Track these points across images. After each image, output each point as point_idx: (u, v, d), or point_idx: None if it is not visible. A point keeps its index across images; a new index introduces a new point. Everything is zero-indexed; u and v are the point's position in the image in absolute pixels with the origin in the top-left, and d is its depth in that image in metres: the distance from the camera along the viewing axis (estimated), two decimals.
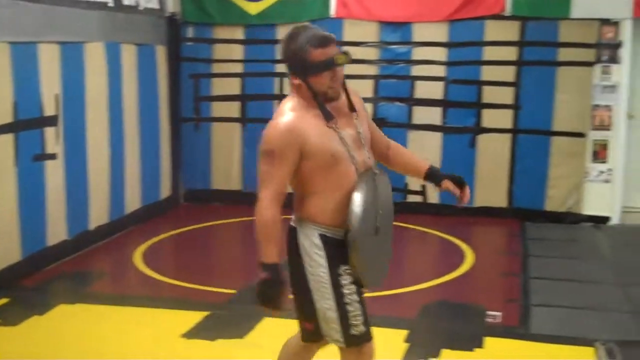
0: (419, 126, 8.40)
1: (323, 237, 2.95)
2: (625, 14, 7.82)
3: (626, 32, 7.88)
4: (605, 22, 7.90)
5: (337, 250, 2.92)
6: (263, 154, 2.93)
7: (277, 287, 2.88)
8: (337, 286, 2.90)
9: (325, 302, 2.92)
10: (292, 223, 3.09)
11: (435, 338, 4.67)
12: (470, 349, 4.49)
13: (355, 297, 2.91)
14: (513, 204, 8.20)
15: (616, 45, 7.90)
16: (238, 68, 8.82)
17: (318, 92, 2.93)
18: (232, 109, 8.87)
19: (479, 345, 4.54)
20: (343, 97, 3.03)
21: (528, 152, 8.15)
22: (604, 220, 8.04)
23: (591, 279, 6.13)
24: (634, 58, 8.00)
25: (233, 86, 8.84)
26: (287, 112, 2.94)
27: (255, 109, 8.82)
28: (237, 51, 8.81)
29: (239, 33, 8.79)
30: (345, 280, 2.91)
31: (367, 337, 2.99)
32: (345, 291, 2.90)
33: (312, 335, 3.12)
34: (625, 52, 7.91)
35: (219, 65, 8.86)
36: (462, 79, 8.26)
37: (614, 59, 7.93)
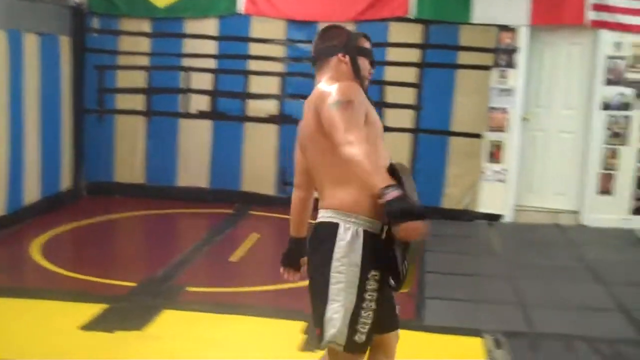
0: None
1: (365, 233, 2.81)
2: (523, 21, 8.19)
3: (523, 39, 8.25)
4: (503, 28, 8.25)
5: (373, 250, 2.80)
6: (341, 103, 2.73)
7: (409, 198, 2.64)
8: (362, 289, 2.79)
9: (338, 303, 2.79)
10: (325, 217, 2.88)
11: None
12: None
13: (373, 305, 2.80)
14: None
15: (513, 51, 8.26)
16: (144, 61, 8.77)
17: (360, 73, 2.95)
18: (137, 101, 8.82)
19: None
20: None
21: (428, 151, 8.42)
22: (497, 217, 8.40)
23: (483, 273, 6.43)
24: (529, 63, 8.37)
25: (138, 79, 8.79)
26: (346, 81, 2.90)
27: (160, 102, 8.80)
28: (144, 44, 8.76)
29: (145, 26, 8.74)
30: (371, 285, 2.80)
31: (364, 348, 2.87)
32: (367, 297, 2.79)
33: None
34: (521, 58, 8.27)
35: (124, 57, 8.79)
36: None
37: (510, 64, 8.29)
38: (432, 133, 8.39)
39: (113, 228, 7.80)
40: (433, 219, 8.23)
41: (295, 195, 3.21)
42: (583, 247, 7.48)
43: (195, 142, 8.77)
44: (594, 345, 4.64)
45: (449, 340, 4.74)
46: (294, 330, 4.70)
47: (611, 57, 8.19)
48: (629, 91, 8.21)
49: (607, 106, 8.27)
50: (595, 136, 8.34)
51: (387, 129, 8.60)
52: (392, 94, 8.43)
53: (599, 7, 8.08)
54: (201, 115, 8.74)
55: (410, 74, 8.39)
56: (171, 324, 4.81)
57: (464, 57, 8.30)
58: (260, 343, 4.57)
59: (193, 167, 8.80)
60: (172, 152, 8.81)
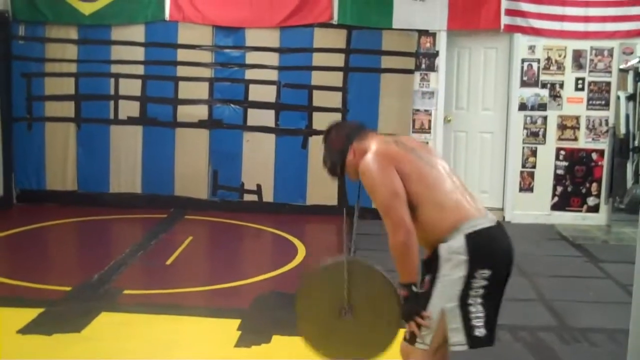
0: (253, 128, 8.72)
1: (467, 236, 3.05)
2: (441, 26, 8.53)
3: (441, 43, 8.58)
4: (423, 33, 8.56)
5: (478, 248, 3.04)
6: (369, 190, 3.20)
7: (417, 302, 3.03)
8: (468, 286, 3.02)
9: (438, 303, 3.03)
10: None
11: (267, 325, 4.94)
12: (299, 334, 4.80)
13: (479, 299, 3.03)
14: (343, 202, 8.68)
15: (433, 55, 8.58)
16: (72, 68, 8.77)
17: None
18: (66, 108, 8.80)
19: None
20: None
21: None
22: None
23: None
24: (449, 67, 8.71)
25: (67, 86, 8.78)
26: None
27: (89, 109, 8.81)
28: (71, 51, 8.76)
29: (72, 32, 8.75)
30: (477, 283, 3.02)
31: (489, 342, 3.07)
32: (473, 293, 3.01)
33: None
34: (441, 61, 8.60)
35: (52, 64, 8.78)
36: (293, 83, 8.66)
37: (431, 67, 8.61)
38: None
39: (46, 235, 7.79)
40: (365, 219, 8.55)
41: None
42: None
43: (126, 148, 8.82)
44: (517, 334, 4.91)
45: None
46: (229, 328, 4.86)
47: (526, 60, 8.60)
48: (544, 92, 8.63)
49: (524, 107, 8.67)
50: (514, 136, 8.73)
51: (315, 132, 8.90)
52: (319, 98, 8.65)
53: (513, 13, 8.49)
54: (131, 121, 8.79)
55: (336, 78, 8.62)
56: (109, 326, 4.90)
57: (387, 61, 8.58)
58: (197, 341, 4.70)
59: (125, 173, 8.84)
60: (104, 159, 8.83)
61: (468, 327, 3.01)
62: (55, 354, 4.36)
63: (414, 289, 3.02)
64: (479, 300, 3.01)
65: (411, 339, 3.09)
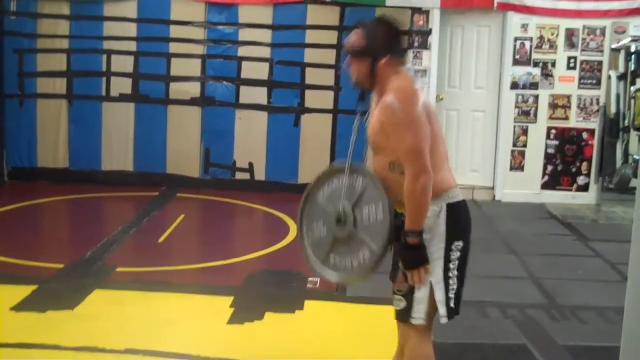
0: (246, 105, 8.71)
1: (448, 206, 3.08)
2: (434, 3, 8.52)
3: (435, 21, 8.57)
4: (416, 10, 8.55)
5: (457, 221, 3.09)
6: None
7: (425, 250, 3.00)
8: (447, 259, 3.06)
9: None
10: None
11: (260, 302, 4.98)
12: (292, 311, 4.85)
13: (456, 272, 3.08)
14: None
15: (426, 32, 8.58)
16: (64, 44, 8.72)
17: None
18: (58, 85, 8.77)
19: (300, 307, 4.91)
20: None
21: (347, 131, 8.54)
22: None
23: None
24: (441, 44, 8.70)
25: (59, 62, 8.74)
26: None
27: (81, 85, 8.78)
28: (63, 26, 8.70)
29: (64, 8, 8.70)
30: (454, 255, 3.07)
31: (456, 312, 3.12)
32: (451, 265, 3.06)
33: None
34: (433, 39, 8.59)
35: (43, 40, 8.72)
36: (286, 60, 8.64)
37: (424, 45, 8.61)
38: (351, 113, 8.58)
39: (38, 213, 7.79)
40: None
41: None
42: (497, 220, 7.86)
43: (118, 125, 8.80)
44: (506, 310, 4.97)
45: (370, 309, 4.97)
46: (222, 305, 4.89)
47: (518, 38, 8.61)
48: (536, 71, 8.65)
49: (515, 85, 8.69)
50: (506, 115, 8.76)
51: (307, 110, 8.90)
52: (312, 76, 8.64)
53: None
54: (123, 98, 8.76)
55: (328, 56, 8.61)
56: (102, 303, 4.92)
57: None
58: (190, 318, 4.72)
59: (117, 151, 8.83)
60: (95, 136, 8.81)
61: (447, 299, 3.06)
62: (49, 331, 4.38)
63: (424, 236, 2.98)
64: (455, 272, 3.07)
65: (404, 315, 3.11)
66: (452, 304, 3.08)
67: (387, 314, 4.83)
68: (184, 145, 8.79)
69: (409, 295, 3.08)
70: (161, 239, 6.64)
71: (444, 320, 3.08)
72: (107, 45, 8.71)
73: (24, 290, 5.01)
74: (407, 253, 3.00)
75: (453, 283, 3.07)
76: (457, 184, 3.17)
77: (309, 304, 5.01)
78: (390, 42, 3.15)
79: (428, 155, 2.93)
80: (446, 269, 3.06)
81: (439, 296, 3.05)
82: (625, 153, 8.53)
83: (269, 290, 5.31)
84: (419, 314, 3.08)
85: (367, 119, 3.22)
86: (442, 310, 3.07)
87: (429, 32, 8.58)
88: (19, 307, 4.76)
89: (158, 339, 4.30)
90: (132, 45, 8.72)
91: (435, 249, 3.04)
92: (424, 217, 2.95)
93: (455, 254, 3.07)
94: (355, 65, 3.16)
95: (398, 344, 3.52)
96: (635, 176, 8.37)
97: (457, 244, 3.08)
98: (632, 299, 1.90)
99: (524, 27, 8.59)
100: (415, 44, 8.59)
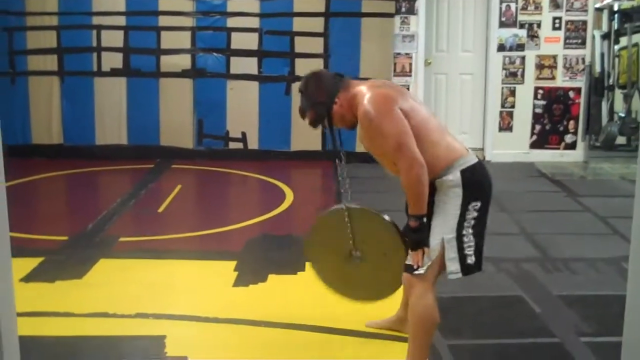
0: (237, 76, 8.80)
1: (462, 172, 3.26)
2: None
3: None
4: None
5: (472, 184, 3.26)
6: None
7: (426, 232, 3.22)
8: (463, 217, 3.23)
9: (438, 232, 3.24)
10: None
11: (262, 266, 5.12)
12: (294, 273, 4.99)
13: (471, 230, 3.24)
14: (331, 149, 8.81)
15: None
16: (53, 21, 8.74)
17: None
18: (49, 62, 8.81)
19: (302, 269, 5.03)
20: None
21: None
22: None
23: (400, 209, 6.84)
24: (428, 9, 8.80)
25: (49, 39, 8.77)
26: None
27: (72, 61, 8.83)
28: (51, 3, 8.71)
29: None
30: (470, 214, 3.24)
31: (477, 268, 3.31)
32: (466, 224, 3.23)
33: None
34: (420, 4, 8.68)
35: (32, 18, 8.74)
36: (275, 30, 8.71)
37: (411, 11, 8.69)
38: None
39: (35, 188, 7.86)
40: (350, 163, 8.71)
41: None
42: None
43: (110, 99, 8.87)
44: (501, 265, 5.13)
45: None
46: (226, 269, 5.03)
47: (504, 1, 8.71)
48: (522, 32, 8.76)
49: (502, 47, 8.81)
50: (494, 77, 8.89)
51: (299, 78, 8.96)
52: (301, 44, 8.72)
53: None
54: (115, 72, 8.83)
55: (317, 24, 8.69)
56: (109, 271, 5.05)
57: (367, 6, 8.64)
58: (196, 282, 4.86)
59: (111, 125, 8.91)
60: (89, 111, 8.87)
61: (462, 256, 3.23)
62: (60, 300, 4.51)
63: (424, 220, 3.19)
64: (471, 230, 3.22)
65: (409, 268, 3.29)
66: (469, 261, 3.25)
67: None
68: (176, 118, 8.87)
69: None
70: (161, 209, 6.76)
71: (454, 276, 3.25)
72: (96, 20, 8.75)
73: (31, 263, 5.13)
74: (410, 235, 3.23)
75: (469, 241, 3.23)
76: (467, 150, 3.32)
77: (310, 265, 5.15)
78: (326, 87, 3.37)
79: (413, 146, 3.11)
80: (460, 228, 3.22)
81: (451, 254, 3.23)
82: (611, 111, 8.69)
83: (270, 254, 5.45)
84: (424, 267, 3.25)
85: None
86: (453, 267, 3.24)
87: None
88: (28, 278, 4.88)
89: (167, 303, 4.43)
90: (121, 20, 8.76)
91: (452, 207, 3.22)
92: (423, 203, 3.14)
93: (472, 214, 3.24)
94: (325, 122, 3.44)
95: (403, 294, 3.70)
96: (621, 134, 8.55)
97: (475, 204, 3.24)
98: (634, 292, 1.93)
99: None
100: (403, 9, 8.68)
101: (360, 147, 8.66)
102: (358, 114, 3.25)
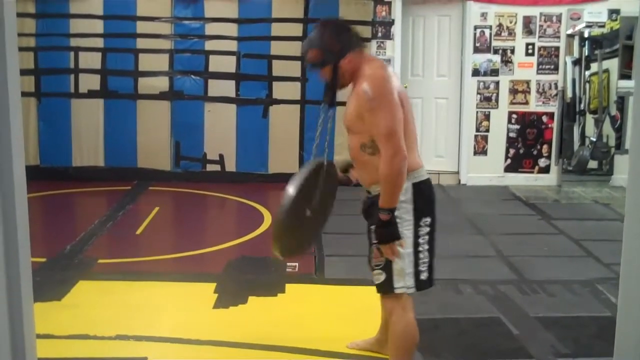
0: (214, 98, 8.84)
1: (413, 185, 3.28)
2: None
3: (397, 11, 8.78)
4: (379, 1, 8.76)
5: (423, 199, 3.30)
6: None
7: (397, 227, 3.20)
8: (417, 234, 3.27)
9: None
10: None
11: (242, 287, 5.14)
12: (274, 294, 5.02)
13: (426, 246, 3.29)
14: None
15: (389, 23, 8.78)
16: (30, 42, 8.74)
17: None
18: (26, 83, 8.77)
19: (282, 290, 5.09)
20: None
21: (315, 121, 8.68)
22: None
23: None
24: (404, 34, 8.92)
25: (26, 60, 8.74)
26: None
27: (49, 83, 8.82)
28: (29, 25, 8.72)
29: (29, 6, 8.71)
30: (423, 230, 3.28)
31: (430, 284, 3.36)
32: (421, 240, 3.27)
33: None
34: (396, 29, 8.80)
35: None
36: (253, 53, 8.79)
37: (387, 36, 8.81)
38: (318, 104, 8.76)
39: None
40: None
41: None
42: (464, 203, 8.10)
43: (88, 121, 8.86)
44: (478, 287, 5.20)
45: (347, 289, 5.19)
46: (206, 291, 5.04)
47: (478, 27, 8.86)
48: (496, 57, 8.91)
49: (477, 72, 8.95)
50: (468, 101, 9.01)
51: (276, 101, 9.04)
52: (279, 68, 8.80)
53: None
54: (92, 94, 8.83)
55: (295, 48, 8.73)
56: (89, 293, 5.04)
57: None
58: (176, 304, 4.87)
59: (87, 147, 8.89)
60: (65, 133, 8.86)
61: (417, 272, 3.28)
62: (40, 321, 4.34)
63: (396, 213, 3.19)
64: (426, 246, 3.29)
65: (387, 287, 3.31)
66: (423, 277, 3.30)
67: (364, 294, 5.05)
68: (154, 140, 8.88)
69: (387, 267, 3.28)
70: (139, 231, 6.75)
71: (409, 290, 3.31)
72: (74, 42, 8.76)
73: None
74: (380, 229, 3.21)
75: (424, 257, 3.29)
76: (423, 165, 3.36)
77: (289, 287, 5.19)
78: (342, 40, 3.31)
79: (402, 137, 3.12)
80: (416, 244, 3.26)
81: (408, 268, 3.26)
82: (582, 136, 8.85)
83: (250, 276, 5.46)
84: (399, 283, 3.29)
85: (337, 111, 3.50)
86: (409, 281, 3.28)
87: (392, 22, 8.79)
88: None
89: (147, 325, 4.44)
90: (99, 42, 8.78)
91: (405, 222, 3.24)
92: (397, 196, 3.15)
93: (424, 230, 3.28)
94: (323, 73, 3.38)
95: (382, 318, 3.73)
96: (592, 158, 8.70)
97: (425, 220, 3.28)
98: (625, 301, 1.95)
99: (483, 15, 8.84)
100: (379, 34, 8.80)
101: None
102: (359, 86, 3.20)
